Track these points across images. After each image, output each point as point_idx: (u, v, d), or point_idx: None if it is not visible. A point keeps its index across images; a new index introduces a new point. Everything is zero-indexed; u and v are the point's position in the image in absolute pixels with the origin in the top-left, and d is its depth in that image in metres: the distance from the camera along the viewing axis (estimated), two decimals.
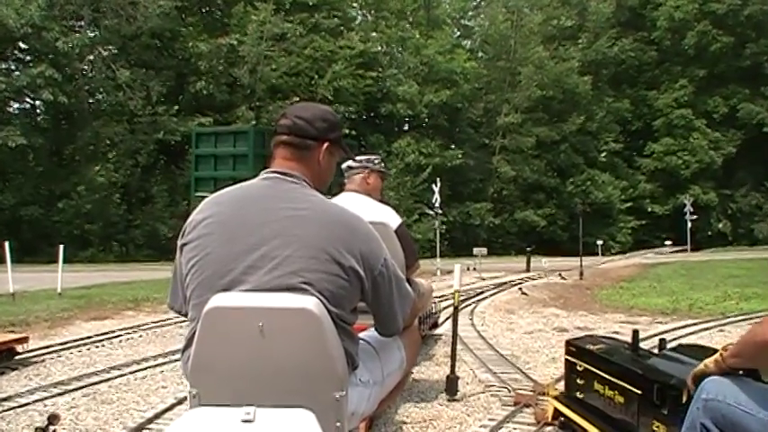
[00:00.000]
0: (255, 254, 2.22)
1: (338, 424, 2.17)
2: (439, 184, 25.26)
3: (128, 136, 36.60)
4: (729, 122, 55.15)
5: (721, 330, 11.48)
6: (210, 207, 2.39)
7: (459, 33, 57.33)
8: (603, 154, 54.95)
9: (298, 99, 38.16)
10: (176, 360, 8.58)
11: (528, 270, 25.96)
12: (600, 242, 37.61)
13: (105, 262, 32.33)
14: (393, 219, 4.61)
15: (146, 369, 8.22)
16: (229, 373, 2.16)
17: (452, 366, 6.74)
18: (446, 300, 13.43)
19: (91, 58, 36.95)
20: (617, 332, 11.17)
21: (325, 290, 2.20)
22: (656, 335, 10.64)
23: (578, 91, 52.17)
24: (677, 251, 44.60)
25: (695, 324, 12.00)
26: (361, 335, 2.56)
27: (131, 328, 11.61)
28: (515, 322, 12.54)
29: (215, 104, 37.85)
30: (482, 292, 17.53)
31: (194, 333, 2.21)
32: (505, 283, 20.82)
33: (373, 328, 2.58)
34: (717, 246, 49.73)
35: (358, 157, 4.56)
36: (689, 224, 47.29)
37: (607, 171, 53.91)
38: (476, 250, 25.09)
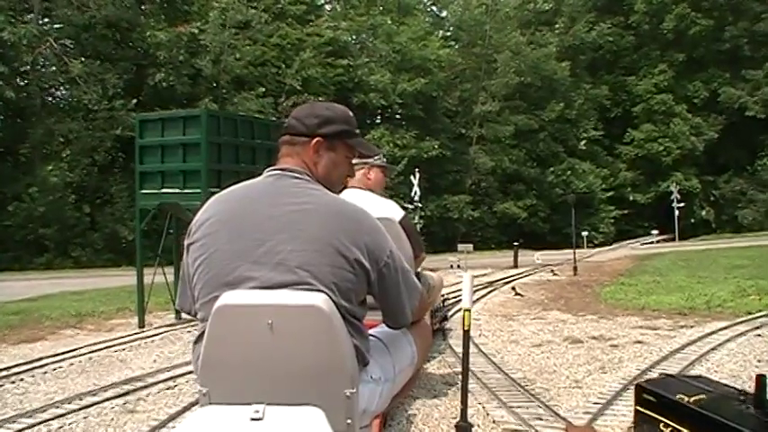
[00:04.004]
0: (260, 250, 2.24)
1: (349, 421, 2.16)
2: (418, 176, 23.54)
3: (83, 133, 34.64)
4: (710, 107, 54.78)
5: (759, 335, 10.05)
6: (215, 206, 2.42)
7: (431, 20, 56.22)
8: (583, 142, 54.31)
9: (264, 90, 37.00)
10: (108, 399, 7.15)
11: (516, 266, 24.35)
12: (585, 233, 36.21)
13: (63, 268, 30.66)
14: (396, 212, 4.59)
15: (64, 416, 6.58)
16: (239, 372, 2.16)
17: (463, 411, 5.23)
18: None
19: (42, 50, 34.80)
20: (640, 341, 9.93)
21: (332, 283, 2.20)
22: (687, 344, 9.24)
23: (556, 77, 51.38)
24: (663, 240, 43.84)
25: (726, 327, 10.54)
26: (371, 331, 2.53)
27: (63, 353, 9.90)
28: (517, 331, 11.05)
29: (176, 97, 35.96)
30: (472, 293, 15.74)
31: (204, 331, 2.22)
32: (495, 281, 19.27)
33: (383, 324, 2.56)
34: (700, 233, 49.37)
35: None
36: (676, 212, 46.73)
37: (587, 160, 53.35)
38: (461, 246, 23.42)
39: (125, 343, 10.69)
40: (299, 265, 2.19)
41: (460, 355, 8.39)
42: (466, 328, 5.36)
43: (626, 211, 53.34)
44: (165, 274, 12.80)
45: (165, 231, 12.99)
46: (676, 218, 46.95)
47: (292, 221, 2.26)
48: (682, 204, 48.02)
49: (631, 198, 54.24)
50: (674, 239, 44.70)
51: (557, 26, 54.28)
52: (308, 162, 2.47)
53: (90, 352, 9.98)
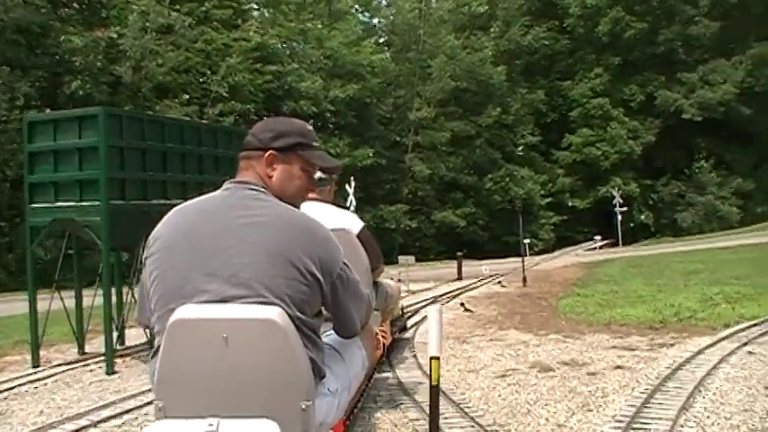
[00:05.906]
0: (213, 262, 2.23)
1: None
2: (353, 184, 22.09)
3: None
4: (647, 110, 54.99)
5: (750, 353, 8.97)
6: (172, 219, 2.41)
7: (363, 25, 55.41)
8: (520, 148, 54.03)
9: (188, 98, 35.50)
10: None
11: (460, 278, 22.92)
12: (527, 241, 35.19)
13: None
14: (355, 223, 4.63)
15: None
16: (194, 385, 2.14)
17: None
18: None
19: None
20: (620, 366, 8.73)
21: (285, 295, 2.20)
22: (676, 369, 8.14)
23: (492, 82, 50.91)
24: (606, 245, 43.44)
25: (711, 345, 9.42)
26: (324, 339, 2.52)
27: None
28: (474, 357, 9.65)
29: (94, 106, 33.85)
30: (417, 312, 14.14)
31: (159, 346, 2.22)
32: (441, 295, 17.85)
33: (332, 331, 2.59)
34: (640, 238, 49.50)
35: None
36: (619, 217, 46.50)
37: (525, 166, 52.97)
38: (401, 258, 21.95)
39: (11, 388, 8.88)
40: (251, 277, 2.17)
41: (415, 398, 6.93)
42: (434, 384, 3.81)
43: (565, 217, 52.95)
44: (62, 299, 10.96)
45: (62, 252, 11.16)
46: (618, 222, 46.76)
47: (246, 234, 2.24)
48: (625, 209, 47.95)
49: (570, 204, 53.91)
50: (616, 244, 44.51)
51: (492, 30, 53.94)
52: (262, 175, 2.45)
53: None
